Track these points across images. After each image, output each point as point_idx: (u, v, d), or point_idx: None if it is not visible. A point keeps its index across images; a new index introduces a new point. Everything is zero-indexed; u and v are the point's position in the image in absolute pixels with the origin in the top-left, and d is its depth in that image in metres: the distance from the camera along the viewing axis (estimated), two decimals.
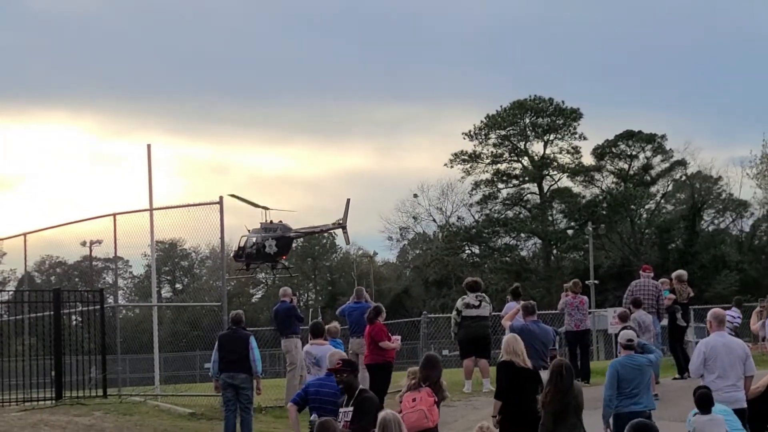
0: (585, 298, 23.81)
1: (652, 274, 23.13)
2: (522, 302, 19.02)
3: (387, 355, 19.46)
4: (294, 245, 47.79)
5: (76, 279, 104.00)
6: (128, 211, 23.15)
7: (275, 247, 38.55)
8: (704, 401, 12.07)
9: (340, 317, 23.63)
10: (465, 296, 22.37)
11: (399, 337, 20.54)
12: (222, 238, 21.55)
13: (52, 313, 21.68)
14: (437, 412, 12.80)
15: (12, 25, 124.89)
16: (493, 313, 23.38)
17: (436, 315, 27.47)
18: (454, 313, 22.54)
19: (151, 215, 22.56)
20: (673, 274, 24.21)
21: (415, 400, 12.60)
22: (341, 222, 43.17)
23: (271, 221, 40.18)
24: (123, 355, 24.39)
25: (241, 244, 40.33)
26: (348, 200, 46.79)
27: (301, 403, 13.04)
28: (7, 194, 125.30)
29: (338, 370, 11.95)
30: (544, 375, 13.88)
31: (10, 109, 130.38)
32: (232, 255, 38.07)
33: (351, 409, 11.82)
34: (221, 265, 23.42)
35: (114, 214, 22.82)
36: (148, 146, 23.22)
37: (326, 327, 19.01)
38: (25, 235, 25.37)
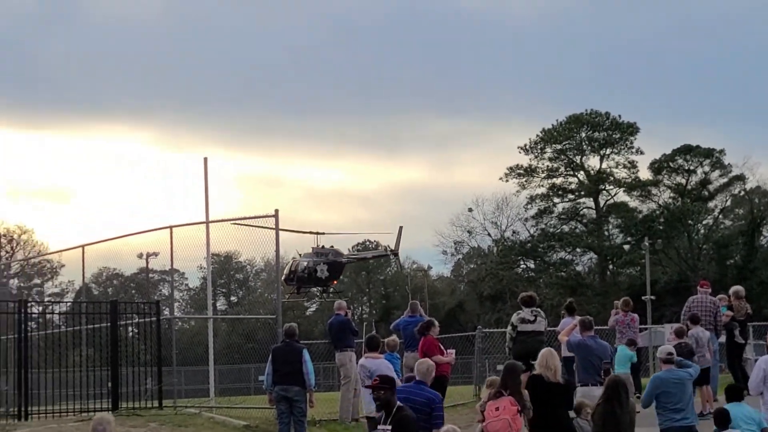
0: (636, 315, 23.55)
1: (709, 290, 22.82)
2: (578, 317, 18.84)
3: (441, 369, 19.33)
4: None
5: (133, 291, 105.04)
6: (185, 223, 23.34)
7: (326, 272, 38.80)
8: (721, 419, 12.07)
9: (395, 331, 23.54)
10: (520, 311, 22.09)
11: (453, 351, 20.39)
12: (277, 251, 21.61)
13: (109, 324, 21.88)
14: (521, 422, 12.76)
15: (73, 37, 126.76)
16: (549, 329, 23.16)
17: (491, 330, 27.27)
18: (509, 328, 22.31)
19: (207, 228, 22.71)
20: (731, 290, 23.88)
21: (498, 409, 12.60)
22: (393, 249, 43.44)
23: (323, 246, 40.39)
24: (179, 367, 24.56)
25: (292, 268, 40.42)
26: (400, 228, 47.37)
27: None
28: (65, 206, 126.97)
29: (376, 387, 11.89)
30: (600, 391, 13.86)
31: (70, 121, 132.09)
32: (282, 278, 38.29)
33: (389, 427, 11.75)
34: (276, 278, 23.49)
35: (171, 227, 23.00)
36: (205, 159, 23.40)
37: (385, 340, 18.94)
38: (83, 247, 25.65)
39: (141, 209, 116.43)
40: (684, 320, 21.78)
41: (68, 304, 32.79)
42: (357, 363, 19.21)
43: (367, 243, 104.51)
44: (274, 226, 21.02)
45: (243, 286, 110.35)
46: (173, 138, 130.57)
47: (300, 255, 41.00)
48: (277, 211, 21.19)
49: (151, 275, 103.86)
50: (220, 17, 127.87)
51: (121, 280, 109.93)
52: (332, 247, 42.75)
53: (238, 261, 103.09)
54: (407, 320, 22.00)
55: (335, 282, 40.32)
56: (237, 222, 22.35)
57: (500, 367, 18.92)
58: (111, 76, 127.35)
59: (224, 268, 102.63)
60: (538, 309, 22.56)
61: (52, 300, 52.27)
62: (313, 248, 40.70)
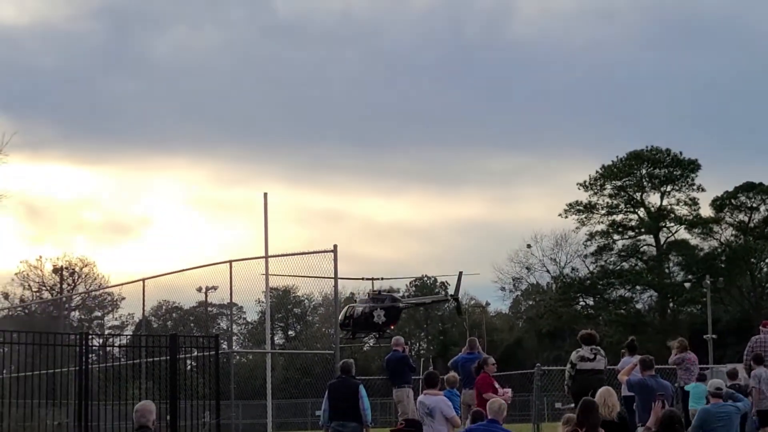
0: (694, 355, 23.19)
1: None
2: (639, 356, 18.60)
3: None
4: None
5: (192, 324, 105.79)
6: (244, 258, 23.50)
7: (383, 317, 38.79)
8: None
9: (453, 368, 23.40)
10: (580, 349, 21.87)
11: (509, 390, 20.18)
12: (336, 285, 21.69)
13: (168, 358, 22.01)
14: None
15: (135, 74, 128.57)
16: (609, 367, 22.91)
17: (549, 367, 27.03)
18: (569, 366, 22.09)
19: (266, 262, 22.83)
20: None
21: None
22: (453, 294, 43.39)
23: (380, 291, 40.37)
24: (236, 401, 24.60)
25: (348, 314, 40.34)
26: (460, 273, 48.22)
27: None
28: (127, 240, 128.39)
29: (400, 431, 11.78)
30: None
31: (132, 157, 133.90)
32: (339, 323, 38.47)
33: None
34: (334, 313, 23.53)
35: (230, 261, 23.17)
36: (265, 195, 23.54)
37: (444, 377, 18.83)
38: (143, 280, 25.89)
39: (202, 243, 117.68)
40: (747, 360, 21.44)
41: (128, 337, 33.04)
42: (416, 399, 19.11)
43: (425, 278, 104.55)
44: (333, 260, 21.06)
45: (300, 321, 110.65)
46: (232, 174, 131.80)
47: (356, 300, 40.99)
48: (335, 246, 21.28)
49: (209, 309, 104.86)
50: (279, 53, 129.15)
51: (180, 313, 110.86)
52: (390, 291, 42.94)
53: (296, 295, 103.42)
54: (465, 357, 21.88)
55: (393, 327, 40.25)
56: (296, 255, 22.43)
57: (558, 405, 18.73)
58: (171, 113, 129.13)
59: (282, 303, 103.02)
60: (598, 347, 22.31)
61: (113, 333, 52.81)
62: (369, 292, 40.69)
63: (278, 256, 23.01)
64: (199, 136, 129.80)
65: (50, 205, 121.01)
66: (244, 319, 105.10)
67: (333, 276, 21.31)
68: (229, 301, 25.15)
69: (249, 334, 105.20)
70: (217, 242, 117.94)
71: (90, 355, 24.23)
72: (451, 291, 48.67)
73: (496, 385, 19.56)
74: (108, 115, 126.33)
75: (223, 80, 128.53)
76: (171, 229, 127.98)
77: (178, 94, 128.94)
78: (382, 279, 40.68)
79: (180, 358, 22.37)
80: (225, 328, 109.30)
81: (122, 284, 28.24)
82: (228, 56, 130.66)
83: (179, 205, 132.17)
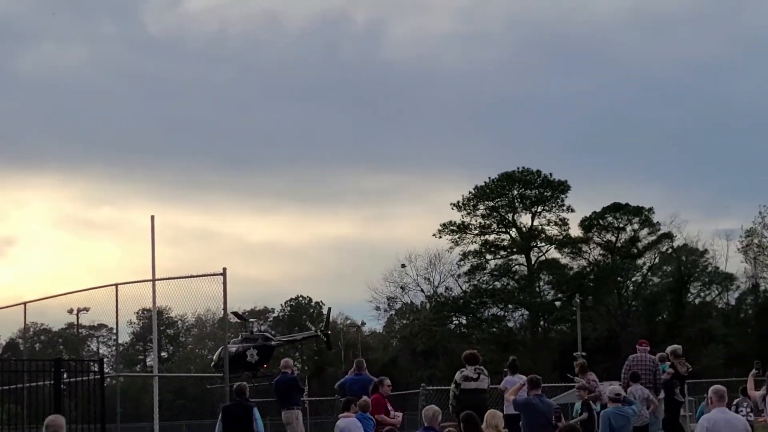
0: (593, 375, 23.71)
1: (648, 348, 23.24)
2: (523, 376, 19.10)
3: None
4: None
5: (61, 346, 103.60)
6: (131, 281, 23.31)
7: (256, 356, 39.19)
8: None
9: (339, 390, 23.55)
10: (463, 369, 22.24)
11: (400, 414, 20.38)
12: (225, 308, 21.70)
13: (52, 382, 21.65)
14: None
15: (2, 91, 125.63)
16: (491, 386, 23.37)
17: (436, 387, 27.38)
18: (453, 385, 22.49)
19: (154, 285, 22.71)
20: (669, 349, 24.27)
21: None
22: (323, 330, 44.30)
23: (252, 331, 40.95)
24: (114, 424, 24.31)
25: (222, 355, 40.47)
26: (329, 309, 54.27)
27: None
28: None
29: None
30: None
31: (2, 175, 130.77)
32: (212, 365, 38.53)
33: None
34: (224, 336, 23.56)
35: (116, 284, 22.96)
36: (152, 217, 23.53)
37: (357, 402, 18.98)
38: (25, 303, 25.45)
39: (67, 263, 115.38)
40: (625, 378, 22.16)
41: (13, 362, 32.28)
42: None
43: (300, 299, 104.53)
44: (222, 283, 21.09)
45: (173, 342, 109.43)
46: (101, 192, 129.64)
47: (229, 343, 41.25)
48: (224, 269, 21.33)
49: (80, 330, 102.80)
50: (152, 70, 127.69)
51: (48, 335, 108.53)
52: (262, 331, 44.01)
53: (169, 316, 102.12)
54: (353, 378, 22.03)
55: (266, 366, 40.70)
56: (184, 278, 22.37)
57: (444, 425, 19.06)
58: (39, 129, 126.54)
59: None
60: (482, 367, 22.77)
61: None
62: (242, 334, 40.95)
63: (165, 279, 22.94)
64: (68, 154, 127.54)
65: None
66: (114, 340, 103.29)
67: (222, 299, 21.30)
68: (115, 324, 24.70)
69: (119, 355, 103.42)
70: (85, 262, 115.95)
71: None
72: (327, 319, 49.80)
73: (389, 407, 19.79)
74: None
75: (92, 97, 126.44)
76: (37, 248, 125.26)
77: (45, 110, 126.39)
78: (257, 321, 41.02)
79: (65, 381, 22.02)
80: (95, 349, 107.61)
81: (2, 308, 27.59)
82: (97, 73, 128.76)
83: (47, 225, 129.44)
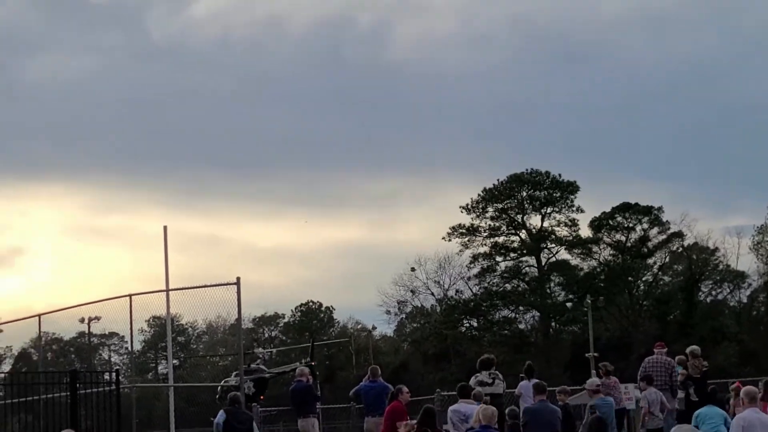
0: (616, 379, 23.63)
1: (665, 350, 23.23)
2: (533, 381, 19.18)
3: None
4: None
5: (72, 355, 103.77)
6: (144, 291, 23.35)
7: (253, 388, 42.34)
8: None
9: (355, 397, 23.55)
10: (478, 374, 22.31)
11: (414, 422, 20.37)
12: (239, 317, 21.75)
13: (68, 393, 21.71)
14: None
15: (6, 100, 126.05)
16: (507, 390, 23.38)
17: (450, 393, 27.37)
18: None
19: (168, 296, 22.75)
20: (687, 350, 24.22)
21: None
22: (308, 361, 47.43)
23: (249, 364, 44.29)
24: None
25: (225, 389, 43.06)
26: (313, 340, 56.56)
27: None
28: (4, 271, 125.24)
29: None
30: None
31: (4, 184, 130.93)
32: (217, 398, 40.73)
33: None
34: (238, 343, 23.56)
35: (130, 295, 23.01)
36: (165, 228, 23.49)
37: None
38: (39, 315, 25.52)
39: (77, 272, 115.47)
40: (640, 380, 22.15)
41: (25, 373, 32.40)
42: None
43: (310, 303, 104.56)
44: (236, 292, 21.15)
45: (185, 349, 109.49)
46: (108, 201, 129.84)
47: (231, 377, 44.23)
48: (238, 278, 21.35)
49: (91, 339, 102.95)
50: (156, 78, 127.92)
51: (60, 344, 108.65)
52: (258, 364, 50.06)
53: (180, 323, 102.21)
54: (369, 385, 22.04)
55: (262, 397, 44.34)
56: (198, 288, 22.42)
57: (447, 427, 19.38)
58: (45, 138, 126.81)
59: (164, 332, 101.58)
60: (496, 372, 22.81)
61: (12, 371, 51.80)
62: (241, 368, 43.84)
63: (180, 289, 22.96)
64: (74, 162, 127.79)
65: None
66: (126, 348, 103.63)
67: (236, 307, 21.35)
68: (129, 334, 24.81)
69: (131, 363, 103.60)
70: (95, 270, 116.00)
71: None
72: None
73: (408, 420, 19.80)
74: None
75: (97, 105, 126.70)
76: (46, 257, 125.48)
77: (50, 119, 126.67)
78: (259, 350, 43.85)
79: (80, 393, 22.06)
80: (106, 358, 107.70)
81: (18, 320, 27.68)
82: (102, 81, 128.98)
83: (54, 233, 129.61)
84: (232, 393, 19.41)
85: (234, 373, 42.53)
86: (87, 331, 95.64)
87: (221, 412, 18.83)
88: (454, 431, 17.90)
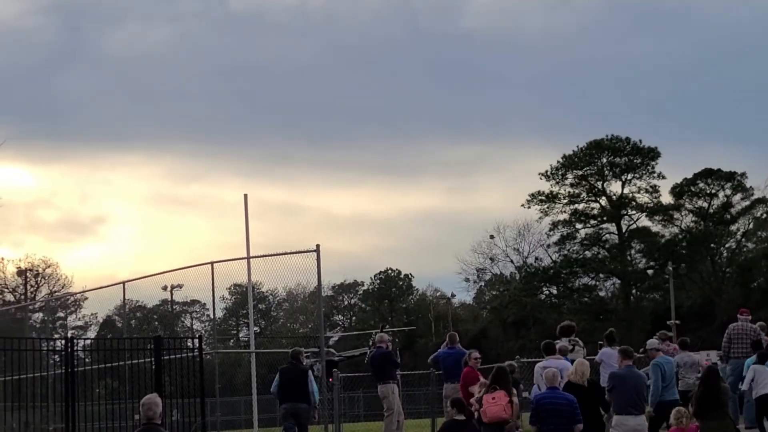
0: (675, 345, 23.50)
1: (750, 317, 22.86)
2: (621, 347, 18.98)
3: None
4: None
5: (156, 323, 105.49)
6: (226, 259, 23.63)
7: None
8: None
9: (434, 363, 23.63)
10: (558, 341, 22.25)
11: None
12: (319, 285, 21.93)
13: (153, 359, 22.11)
14: (510, 409, 16.31)
15: (87, 70, 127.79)
16: (588, 357, 23.23)
17: (528, 360, 27.29)
18: None
19: (249, 263, 22.98)
20: None
21: (495, 399, 16.22)
22: (385, 327, 49.68)
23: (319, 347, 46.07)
24: (209, 399, 24.68)
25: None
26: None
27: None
28: (83, 238, 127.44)
29: None
30: (636, 420, 16.35)
31: (86, 154, 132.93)
32: None
33: None
34: (318, 311, 23.77)
35: (212, 263, 23.29)
36: (245, 196, 23.69)
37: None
38: (123, 283, 25.95)
39: (158, 240, 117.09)
40: (725, 348, 21.88)
41: (110, 339, 33.07)
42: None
43: (389, 271, 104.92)
44: (316, 259, 21.30)
45: (265, 316, 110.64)
46: (188, 169, 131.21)
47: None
48: (318, 246, 21.49)
49: (174, 307, 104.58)
50: (232, 46, 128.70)
51: (143, 312, 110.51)
52: (328, 348, 51.08)
53: (260, 291, 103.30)
54: (447, 352, 22.12)
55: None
56: (278, 255, 22.64)
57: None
58: (125, 107, 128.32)
59: (246, 299, 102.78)
60: (576, 338, 22.71)
61: (98, 337, 53.05)
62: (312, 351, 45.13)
63: (260, 256, 23.20)
64: (153, 131, 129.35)
65: (4, 206, 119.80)
66: (208, 316, 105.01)
67: (316, 274, 21.53)
68: (212, 303, 25.17)
69: (213, 331, 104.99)
70: (176, 239, 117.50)
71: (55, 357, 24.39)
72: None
73: (481, 379, 19.81)
74: (60, 111, 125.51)
75: (176, 74, 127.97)
76: (128, 226, 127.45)
77: (130, 89, 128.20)
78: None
79: (164, 359, 22.44)
80: (188, 325, 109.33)
81: (103, 287, 28.27)
82: (181, 50, 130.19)
83: (135, 202, 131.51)
84: (293, 349, 20.56)
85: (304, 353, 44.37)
86: (170, 299, 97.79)
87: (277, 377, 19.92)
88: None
